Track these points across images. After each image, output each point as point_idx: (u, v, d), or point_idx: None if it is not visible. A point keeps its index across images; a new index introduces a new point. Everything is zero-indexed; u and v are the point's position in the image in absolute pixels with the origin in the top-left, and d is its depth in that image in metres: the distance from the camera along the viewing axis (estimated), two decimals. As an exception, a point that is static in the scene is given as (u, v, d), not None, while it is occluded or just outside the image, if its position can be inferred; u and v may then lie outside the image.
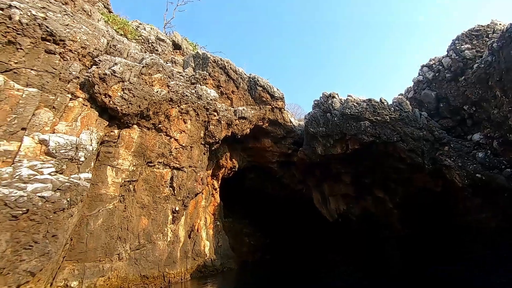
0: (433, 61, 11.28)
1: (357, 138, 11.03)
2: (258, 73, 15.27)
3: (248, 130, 13.58)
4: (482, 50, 9.36)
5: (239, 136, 13.06)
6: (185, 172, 9.61)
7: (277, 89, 15.41)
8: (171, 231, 8.93)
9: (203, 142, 10.82)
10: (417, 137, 9.84)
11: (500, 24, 9.87)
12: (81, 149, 6.05)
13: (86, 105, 6.83)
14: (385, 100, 10.81)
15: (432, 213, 13.50)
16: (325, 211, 16.62)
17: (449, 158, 9.67)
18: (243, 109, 12.94)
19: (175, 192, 9.12)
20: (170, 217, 8.90)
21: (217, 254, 13.74)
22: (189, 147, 9.96)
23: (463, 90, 9.65)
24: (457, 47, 10.03)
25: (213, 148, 11.79)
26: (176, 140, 9.38)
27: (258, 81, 14.49)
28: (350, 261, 11.17)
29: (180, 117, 9.62)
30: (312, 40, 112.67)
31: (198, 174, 10.32)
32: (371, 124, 10.43)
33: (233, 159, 15.79)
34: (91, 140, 6.32)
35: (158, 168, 8.63)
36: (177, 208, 9.08)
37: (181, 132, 9.62)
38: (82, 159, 6.00)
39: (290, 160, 16.39)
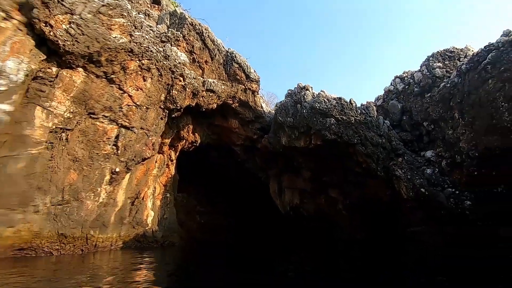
0: (406, 74, 11.43)
1: (320, 134, 10.96)
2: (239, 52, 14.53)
3: (215, 105, 13.00)
4: (451, 71, 9.57)
5: (204, 109, 12.45)
6: (134, 133, 8.88)
7: (254, 71, 14.88)
8: (106, 192, 8.26)
9: (162, 106, 10.09)
10: (376, 143, 9.96)
11: (472, 50, 10.15)
12: (4, 77, 5.17)
13: (22, 30, 5.85)
14: (354, 101, 10.79)
15: (382, 221, 14.06)
16: (278, 202, 16.69)
17: (400, 169, 9.92)
18: (213, 82, 12.30)
19: (119, 152, 8.40)
20: (108, 177, 8.20)
21: (160, 226, 13.25)
22: (144, 107, 9.20)
23: (426, 107, 9.85)
24: (430, 63, 10.18)
25: (173, 116, 11.10)
26: (130, 96, 8.58)
27: (235, 57, 13.84)
28: (302, 255, 11.25)
29: (140, 72, 8.80)
30: (302, 34, 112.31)
31: (150, 138, 9.63)
32: (336, 122, 10.37)
33: (196, 133, 15.17)
34: (18, 70, 5.44)
35: (102, 122, 7.84)
36: (117, 170, 8.39)
37: (137, 89, 8.82)
38: (2, 88, 5.13)
39: (254, 145, 16.11)
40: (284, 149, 14.04)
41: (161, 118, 10.19)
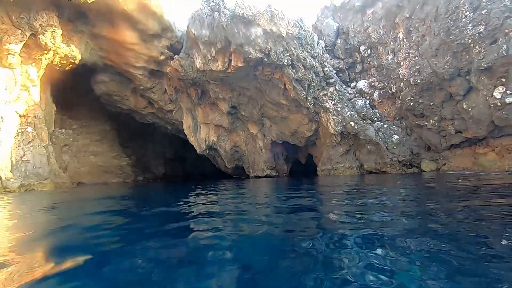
0: (350, -15, 9.47)
1: (242, 51, 8.49)
2: None
3: (92, -2, 8.68)
4: (400, -18, 8.01)
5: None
6: None
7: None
8: None
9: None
10: (309, 66, 8.17)
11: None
12: None
13: None
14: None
15: (302, 157, 13.47)
16: (193, 139, 14.27)
17: (330, 101, 8.62)
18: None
19: None
20: None
21: (16, 172, 9.51)
22: None
23: (366, 26, 8.33)
24: (380, -31, 8.39)
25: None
26: None
27: None
28: (211, 190, 9.48)
29: None
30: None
31: None
32: (263, 34, 7.99)
33: (72, 45, 10.63)
34: None
35: None
36: None
37: None
38: None
39: (162, 70, 12.58)
40: (198, 74, 11.15)
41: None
